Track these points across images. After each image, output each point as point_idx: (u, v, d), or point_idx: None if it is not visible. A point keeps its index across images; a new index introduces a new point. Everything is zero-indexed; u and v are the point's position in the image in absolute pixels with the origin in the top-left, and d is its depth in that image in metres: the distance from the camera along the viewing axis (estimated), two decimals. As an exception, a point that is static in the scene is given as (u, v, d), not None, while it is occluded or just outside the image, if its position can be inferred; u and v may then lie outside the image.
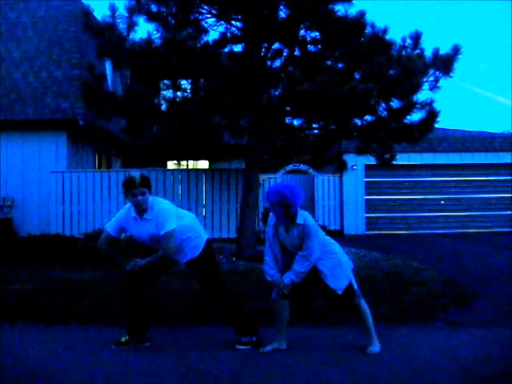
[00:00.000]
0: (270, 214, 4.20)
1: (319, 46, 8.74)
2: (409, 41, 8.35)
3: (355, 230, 14.21)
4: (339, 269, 4.08)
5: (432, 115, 8.46)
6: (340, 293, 4.02)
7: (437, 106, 8.48)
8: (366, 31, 8.09)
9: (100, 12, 9.63)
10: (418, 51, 8.27)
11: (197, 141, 10.05)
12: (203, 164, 17.80)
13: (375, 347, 4.12)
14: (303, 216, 4.06)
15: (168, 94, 9.40)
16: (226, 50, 9.02)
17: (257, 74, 8.30)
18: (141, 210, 4.09)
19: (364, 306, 4.15)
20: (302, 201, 4.07)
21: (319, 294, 4.28)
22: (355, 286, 4.14)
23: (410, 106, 8.39)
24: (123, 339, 4.26)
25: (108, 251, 4.31)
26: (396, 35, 14.47)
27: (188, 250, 4.21)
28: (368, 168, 14.18)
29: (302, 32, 8.68)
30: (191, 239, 4.20)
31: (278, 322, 4.19)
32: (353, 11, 8.02)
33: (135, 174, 4.17)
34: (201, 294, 4.78)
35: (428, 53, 8.24)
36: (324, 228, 11.93)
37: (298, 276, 4.03)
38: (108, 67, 12.82)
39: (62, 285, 6.66)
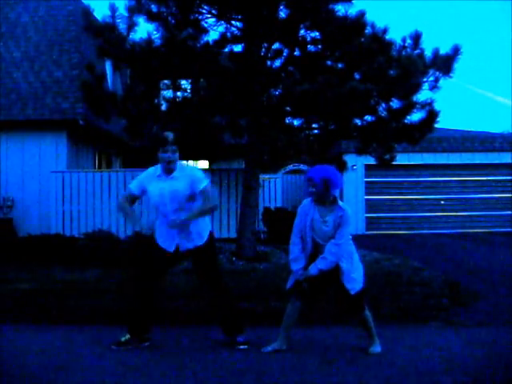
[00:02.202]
0: (303, 202, 4.16)
1: (319, 46, 8.74)
2: (409, 41, 8.34)
3: (355, 229, 14.20)
4: (357, 270, 4.09)
5: (432, 115, 8.45)
6: (353, 293, 4.01)
7: (437, 106, 8.49)
8: (366, 31, 8.08)
9: (100, 12, 9.69)
10: (418, 51, 8.26)
11: (197, 141, 10.05)
12: (203, 164, 17.79)
13: (377, 347, 4.14)
14: (343, 204, 4.10)
15: (168, 94, 9.39)
16: (226, 49, 9.02)
17: (257, 74, 8.30)
18: (169, 168, 4.10)
19: (369, 316, 4.17)
20: (342, 184, 4.17)
21: (333, 296, 4.27)
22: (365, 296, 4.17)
23: (409, 106, 8.38)
24: (123, 339, 4.25)
25: (124, 207, 4.28)
26: (396, 35, 14.49)
27: (196, 233, 4.17)
28: (368, 168, 14.19)
29: (302, 32, 8.68)
30: (201, 223, 4.21)
31: (286, 322, 4.18)
32: (353, 11, 8.04)
33: (169, 133, 4.15)
34: (200, 294, 4.79)
35: (428, 53, 8.23)
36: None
37: (327, 265, 3.99)
38: (108, 67, 12.82)
39: (62, 285, 6.66)
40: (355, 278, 4.06)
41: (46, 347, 4.31)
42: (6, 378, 3.65)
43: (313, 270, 4.00)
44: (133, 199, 4.31)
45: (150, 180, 4.20)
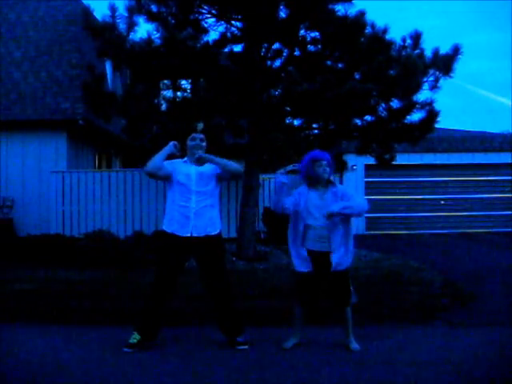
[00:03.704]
0: (299, 188, 4.31)
1: (319, 46, 8.74)
2: (409, 41, 8.34)
3: (355, 229, 14.05)
4: (347, 255, 4.16)
5: (432, 115, 8.45)
6: (332, 269, 4.09)
7: (437, 106, 8.48)
8: (366, 31, 8.08)
9: (100, 12, 9.63)
10: (418, 51, 8.26)
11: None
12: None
13: (355, 344, 4.23)
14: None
15: (168, 94, 9.39)
16: (226, 49, 9.02)
17: (257, 73, 8.30)
18: (195, 154, 4.29)
19: (350, 314, 4.25)
20: None
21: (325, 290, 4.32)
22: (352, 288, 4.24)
23: (410, 106, 8.38)
24: (134, 340, 4.19)
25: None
26: (396, 35, 14.48)
27: (209, 219, 4.25)
28: (368, 168, 14.16)
29: (302, 32, 8.67)
30: (214, 212, 4.32)
31: (296, 323, 4.33)
32: (353, 11, 8.04)
33: (199, 123, 4.41)
34: (203, 295, 4.78)
35: (428, 53, 8.23)
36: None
37: (352, 208, 4.06)
38: (108, 67, 12.81)
39: (62, 285, 6.66)
40: (342, 260, 4.13)
41: (45, 347, 4.31)
42: (6, 377, 3.65)
43: (336, 207, 4.04)
44: (160, 168, 4.36)
45: (178, 164, 4.38)
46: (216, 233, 4.29)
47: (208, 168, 4.31)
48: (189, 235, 4.20)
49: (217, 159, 4.29)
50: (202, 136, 4.35)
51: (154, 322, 4.28)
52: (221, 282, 4.31)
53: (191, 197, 4.23)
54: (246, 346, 4.25)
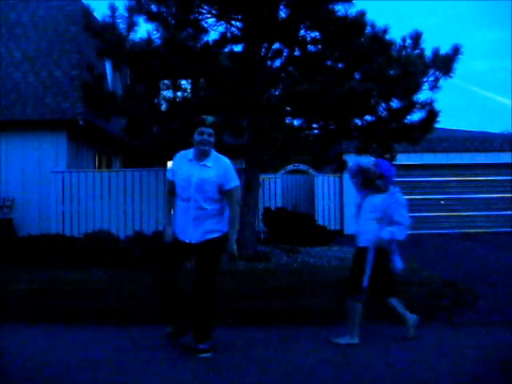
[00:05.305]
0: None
1: (319, 46, 8.75)
2: (409, 41, 8.35)
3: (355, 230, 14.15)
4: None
5: (432, 115, 8.45)
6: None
7: (437, 105, 8.48)
8: (366, 31, 8.09)
9: (100, 12, 9.62)
10: (418, 51, 8.26)
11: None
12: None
13: (343, 340, 4.33)
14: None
15: (168, 94, 9.39)
16: (226, 49, 9.02)
17: (257, 73, 8.29)
18: (203, 151, 4.03)
19: (358, 310, 4.35)
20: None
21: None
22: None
23: (410, 106, 8.38)
24: (169, 331, 4.17)
25: (167, 212, 4.30)
26: (396, 35, 14.48)
27: (210, 227, 4.04)
28: (368, 168, 14.15)
29: (302, 32, 8.68)
30: (218, 217, 4.11)
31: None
32: (353, 11, 8.05)
33: (209, 116, 4.15)
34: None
35: (428, 53, 8.24)
36: (324, 228, 11.92)
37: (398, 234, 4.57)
38: (108, 67, 12.81)
39: (62, 285, 6.65)
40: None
41: (45, 347, 4.30)
42: (5, 377, 3.65)
43: (385, 234, 4.48)
44: (174, 187, 4.24)
45: (180, 162, 4.16)
46: (215, 236, 4.06)
47: (210, 175, 4.01)
48: (187, 241, 4.07)
49: (235, 229, 4.09)
50: (210, 131, 4.02)
51: (178, 312, 4.15)
52: (204, 280, 4.03)
53: (190, 203, 4.02)
54: (208, 354, 3.95)
